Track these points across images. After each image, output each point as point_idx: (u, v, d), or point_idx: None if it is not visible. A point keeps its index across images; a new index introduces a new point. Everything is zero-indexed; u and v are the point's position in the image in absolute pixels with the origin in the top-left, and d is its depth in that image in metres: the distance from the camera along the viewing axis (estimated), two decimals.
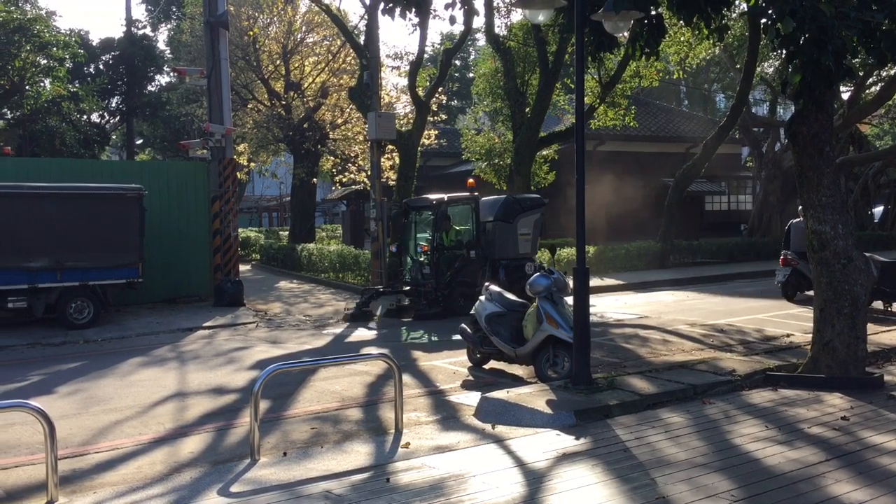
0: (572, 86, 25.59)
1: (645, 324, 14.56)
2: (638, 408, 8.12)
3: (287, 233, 34.73)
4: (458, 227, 16.61)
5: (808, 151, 9.06)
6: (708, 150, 24.45)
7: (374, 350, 12.52)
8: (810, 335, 9.59)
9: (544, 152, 24.03)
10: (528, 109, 22.02)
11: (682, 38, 22.27)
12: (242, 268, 21.38)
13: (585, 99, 24.08)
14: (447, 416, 8.42)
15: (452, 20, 11.10)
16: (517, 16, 23.54)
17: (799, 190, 9.45)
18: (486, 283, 11.45)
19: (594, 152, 28.30)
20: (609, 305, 17.24)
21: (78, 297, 14.54)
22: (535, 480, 6.06)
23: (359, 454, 7.00)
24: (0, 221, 13.69)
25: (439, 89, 24.02)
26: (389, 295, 16.40)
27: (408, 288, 16.44)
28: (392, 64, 26.92)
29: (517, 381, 10.11)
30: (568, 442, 7.05)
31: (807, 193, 9.17)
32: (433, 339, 13.55)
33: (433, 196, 17.05)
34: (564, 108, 25.33)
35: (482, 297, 10.86)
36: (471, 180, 18.30)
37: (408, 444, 7.22)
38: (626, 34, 11.07)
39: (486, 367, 10.85)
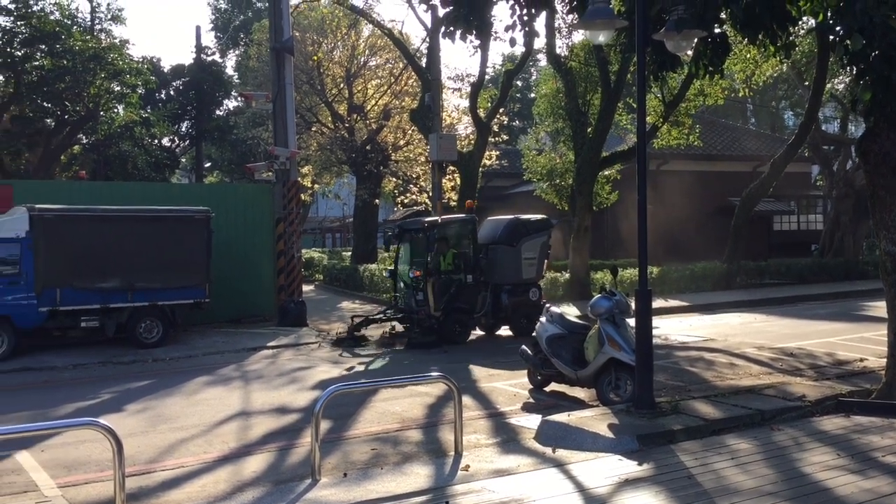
0: (635, 105, 25.45)
1: (710, 346, 14.25)
2: (703, 433, 7.92)
3: (349, 253, 35.10)
4: (454, 251, 15.59)
5: (881, 170, 8.79)
6: (776, 169, 23.94)
7: (434, 369, 12.52)
8: (885, 360, 9.25)
9: (606, 172, 23.82)
10: (589, 129, 21.90)
11: (747, 56, 21.89)
12: (306, 288, 21.65)
13: (648, 118, 23.91)
14: (507, 438, 8.36)
15: (513, 42, 11.04)
16: (578, 36, 23.50)
17: (871, 210, 9.16)
18: (547, 305, 11.38)
19: (657, 172, 27.95)
20: (673, 327, 16.92)
21: (147, 316, 14.90)
22: None
23: (418, 476, 6.99)
24: (75, 243, 14.14)
25: (500, 110, 24.08)
26: (384, 321, 15.93)
27: (401, 315, 15.71)
28: (453, 86, 27.07)
29: (578, 404, 9.99)
30: (630, 467, 6.92)
31: (879, 213, 8.89)
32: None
33: (427, 218, 16.44)
34: (627, 127, 25.09)
35: (542, 319, 10.78)
36: (469, 201, 18.00)
37: (467, 466, 7.18)
38: (688, 53, 10.93)
39: (547, 389, 10.74)
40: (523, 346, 11.09)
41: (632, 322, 9.25)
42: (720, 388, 10.02)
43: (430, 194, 26.59)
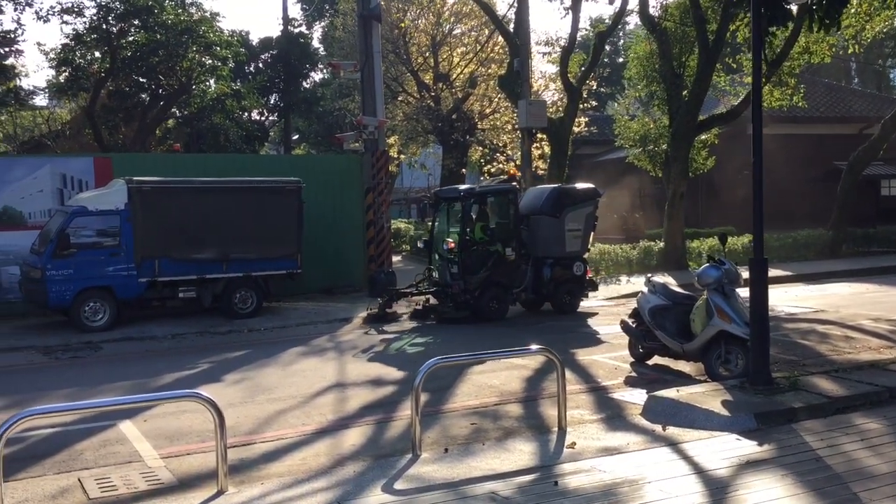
0: (733, 65, 24.30)
1: (821, 318, 13.49)
2: (826, 412, 7.38)
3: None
4: (492, 222, 14.86)
5: None
6: (886, 131, 22.55)
7: (531, 343, 12.21)
8: None
9: (703, 136, 22.84)
10: (685, 92, 21.00)
11: (859, 10, 20.53)
12: (394, 258, 21.59)
13: (748, 79, 22.76)
14: (612, 414, 8.00)
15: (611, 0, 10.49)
16: None
17: None
18: (649, 275, 10.88)
19: None
20: (778, 298, 16.10)
21: (242, 287, 15.03)
22: (718, 490, 5.57)
23: (522, 453, 6.71)
24: (171, 215, 14.32)
25: (591, 75, 23.34)
26: (417, 296, 15.17)
27: (435, 288, 14.93)
28: (542, 50, 26.42)
29: (684, 378, 9.52)
30: (750, 448, 6.48)
31: None
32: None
33: (463, 186, 15.49)
34: (725, 88, 23.97)
35: (645, 290, 10.31)
36: (511, 169, 17.14)
37: (573, 444, 6.86)
38: (794, 5, 10.19)
39: (650, 362, 10.30)
40: (623, 318, 10.67)
41: (741, 292, 8.74)
42: (839, 363, 9.41)
43: (518, 163, 26.15)
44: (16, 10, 21.96)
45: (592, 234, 15.50)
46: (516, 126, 25.51)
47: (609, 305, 16.07)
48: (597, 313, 14.96)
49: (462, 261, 14.21)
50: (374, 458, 6.74)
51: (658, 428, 7.26)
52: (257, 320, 14.67)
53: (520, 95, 20.03)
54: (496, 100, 29.32)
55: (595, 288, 15.96)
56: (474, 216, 14.63)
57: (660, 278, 10.56)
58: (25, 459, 6.90)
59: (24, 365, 11.59)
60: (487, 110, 30.01)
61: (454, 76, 30.45)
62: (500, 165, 29.26)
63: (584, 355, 11.05)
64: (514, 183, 15.39)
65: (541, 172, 23.83)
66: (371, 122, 18.47)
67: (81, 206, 13.93)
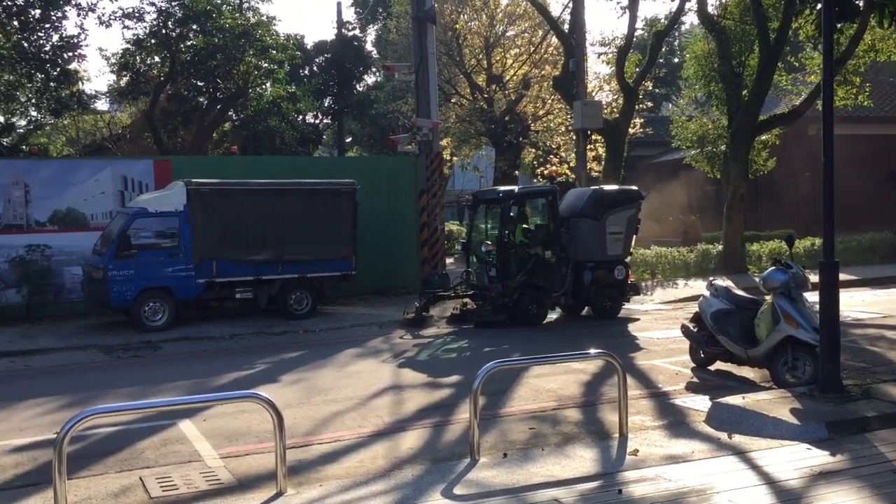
0: (795, 64, 23.69)
1: (890, 324, 13.02)
2: None
3: None
4: (531, 224, 14.62)
5: None
6: None
7: (587, 345, 12.02)
8: None
9: (763, 137, 22.32)
10: (745, 92, 20.53)
11: None
12: (447, 260, 21.53)
13: (811, 77, 22.17)
14: (674, 421, 7.79)
15: None
16: None
17: None
18: (711, 279, 10.62)
19: (819, 136, 26.04)
20: (844, 303, 15.36)
21: (297, 288, 15.11)
22: (790, 502, 5.36)
23: (583, 459, 6.57)
24: (229, 216, 14.47)
25: (647, 75, 23.00)
26: (455, 298, 14.92)
27: (473, 292, 14.72)
28: (597, 51, 26.14)
29: (748, 384, 9.26)
30: (822, 458, 6.24)
31: None
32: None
33: (502, 187, 15.10)
34: (787, 88, 23.38)
35: (706, 293, 10.06)
36: (553, 169, 16.69)
37: (636, 451, 6.69)
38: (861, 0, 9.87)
39: (712, 368, 10.04)
40: (684, 322, 10.43)
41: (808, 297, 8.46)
42: None
43: (571, 165, 25.88)
44: (79, 15, 22.49)
45: (635, 237, 15.15)
46: (570, 127, 25.30)
47: (666, 309, 15.78)
48: (638, 318, 14.61)
49: (500, 263, 14.00)
50: (432, 462, 6.66)
51: (724, 436, 7.04)
52: (312, 321, 14.73)
53: (575, 96, 19.83)
54: (550, 101, 29.09)
55: (637, 292, 15.64)
56: (515, 217, 14.37)
57: (721, 281, 10.29)
58: (88, 458, 6.99)
59: (86, 364, 11.81)
60: (541, 112, 29.79)
61: (507, 78, 30.30)
62: (554, 167, 29.02)
63: (643, 360, 10.83)
64: (554, 185, 15.08)
65: (595, 174, 23.55)
66: (425, 124, 18.45)
67: (142, 207, 14.16)
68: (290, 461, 6.37)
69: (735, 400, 7.78)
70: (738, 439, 6.89)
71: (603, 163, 22.00)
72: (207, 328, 14.12)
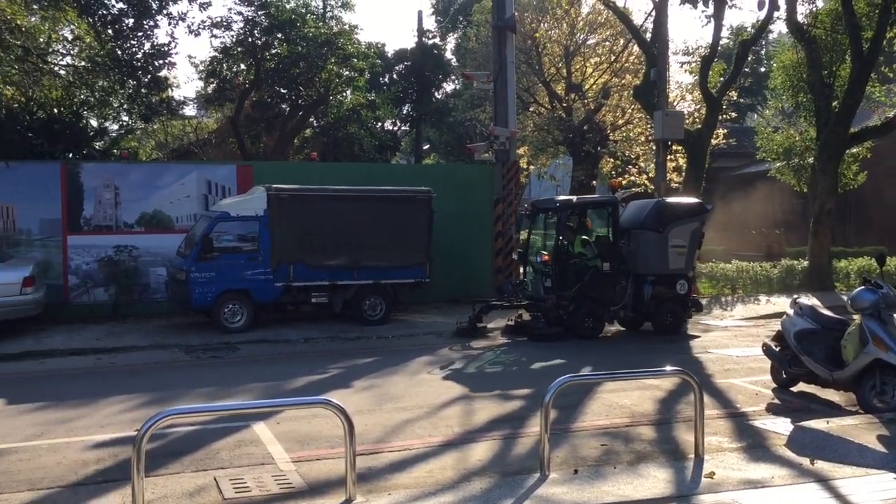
0: (890, 74, 22.80)
1: None
2: None
3: None
4: (589, 236, 14.44)
5: None
6: None
7: (663, 361, 11.77)
8: None
9: (854, 150, 21.53)
10: (835, 103, 19.86)
11: None
12: (521, 269, 21.38)
13: None
14: (753, 443, 7.54)
15: (761, 5, 10.02)
16: (822, 1, 21.41)
17: None
18: (795, 297, 10.26)
19: None
20: None
21: (371, 294, 15.24)
22: None
23: (656, 480, 6.40)
24: (307, 221, 14.70)
25: (731, 85, 22.46)
26: (508, 309, 14.76)
27: (527, 302, 14.48)
28: (679, 60, 25.67)
29: (833, 408, 8.92)
30: None
31: None
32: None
33: (560, 197, 14.74)
34: (880, 99, 22.52)
35: (790, 311, 9.72)
36: (615, 179, 16.17)
37: (712, 473, 6.49)
38: None
39: (794, 389, 9.70)
40: (766, 341, 10.11)
41: None
42: None
43: (650, 175, 25.44)
44: (170, 24, 23.26)
45: (698, 251, 14.74)
46: (650, 137, 24.88)
47: (746, 326, 15.35)
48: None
49: (556, 274, 13.78)
50: (501, 476, 6.60)
51: (805, 461, 6.77)
52: (386, 328, 14.83)
53: (656, 106, 19.50)
54: (630, 111, 28.68)
55: (700, 308, 15.15)
56: (573, 228, 14.16)
57: (806, 300, 9.93)
58: (166, 456, 7.17)
59: (168, 363, 12.16)
60: (620, 121, 29.39)
61: (587, 87, 30.01)
62: (632, 178, 28.61)
63: (721, 378, 10.54)
64: (615, 195, 14.71)
65: (675, 185, 23.11)
66: (502, 133, 18.42)
67: (224, 211, 14.51)
68: (359, 468, 6.40)
69: (819, 424, 7.49)
70: (821, 466, 6.62)
71: (683, 174, 21.57)
72: (284, 331, 14.36)
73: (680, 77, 29.50)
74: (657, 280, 14.06)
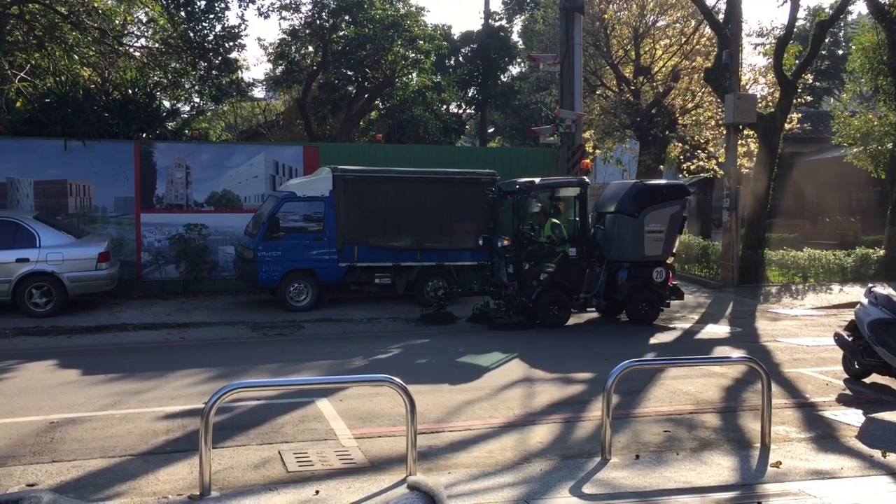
0: None
1: None
2: None
3: None
4: (553, 220, 13.78)
5: None
6: None
7: (729, 349, 11.57)
8: None
9: None
10: None
11: None
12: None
13: None
14: (822, 434, 7.35)
15: None
16: None
17: None
18: (870, 285, 9.93)
19: None
20: None
21: (434, 276, 15.28)
22: None
23: (720, 467, 6.31)
24: (371, 203, 14.82)
25: (807, 67, 21.76)
26: (474, 295, 14.32)
27: (493, 289, 13.95)
28: (753, 42, 24.97)
29: None
30: None
31: None
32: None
33: (522, 179, 14.02)
34: None
35: (864, 301, 9.42)
36: (586, 161, 15.29)
37: (778, 462, 6.37)
38: None
39: (867, 380, 9.41)
40: (838, 330, 9.82)
41: None
42: None
43: (719, 160, 24.87)
44: (240, 6, 23.65)
45: (679, 236, 14.12)
46: (721, 122, 24.32)
47: (817, 315, 14.94)
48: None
49: (518, 260, 13.26)
50: (561, 458, 6.58)
51: (877, 454, 6.59)
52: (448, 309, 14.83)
53: (727, 89, 19.03)
54: (700, 94, 28.04)
55: (681, 297, 14.41)
56: (537, 211, 13.57)
57: (882, 289, 9.60)
58: (232, 429, 7.35)
59: (235, 339, 12.44)
60: (690, 105, 28.73)
61: (656, 69, 29.43)
62: (701, 163, 28.04)
63: (790, 368, 10.29)
64: (583, 177, 14.12)
65: (745, 170, 22.56)
66: (568, 116, 18.21)
67: (291, 192, 14.72)
68: (420, 447, 6.46)
69: (892, 416, 7.30)
70: (893, 458, 6.43)
71: (754, 159, 21.04)
72: (347, 311, 14.54)
73: (753, 59, 28.86)
74: (632, 267, 13.53)
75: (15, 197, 15.64)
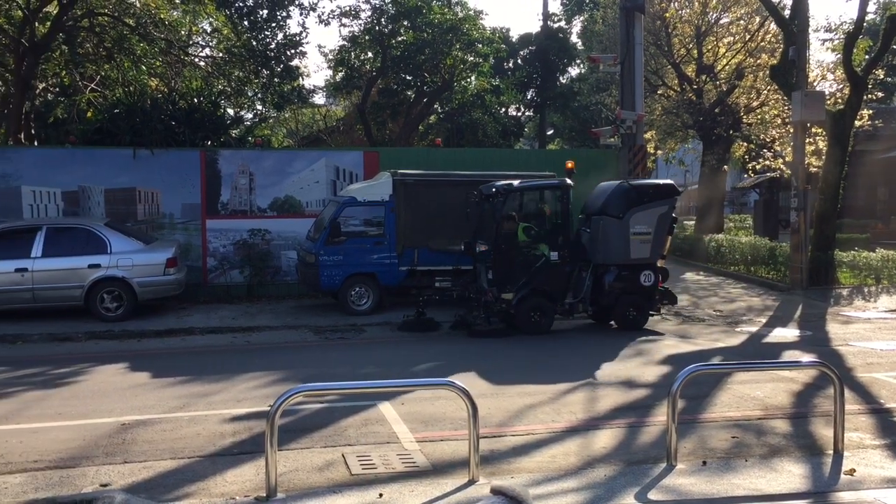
0: None
1: None
2: None
3: (692, 222, 33.55)
4: (542, 222, 13.40)
5: None
6: None
7: (799, 353, 11.26)
8: None
9: None
10: None
11: None
12: None
13: None
14: None
15: None
16: None
17: None
18: None
19: None
20: None
21: None
22: None
23: (791, 475, 6.14)
24: (431, 206, 14.86)
25: (878, 63, 21.09)
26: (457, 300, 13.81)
27: (473, 296, 13.47)
28: (820, 37, 24.33)
29: None
30: None
31: None
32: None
33: (501, 182, 13.38)
34: None
35: None
36: (570, 162, 14.56)
37: (852, 470, 6.17)
38: None
39: None
40: None
41: None
42: None
43: (786, 159, 24.28)
44: (301, 14, 24.04)
45: (669, 238, 13.56)
46: (787, 120, 23.76)
47: (891, 318, 14.45)
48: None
49: (497, 265, 12.83)
50: (625, 464, 6.49)
51: None
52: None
53: (794, 86, 18.56)
54: (765, 92, 27.44)
55: (673, 301, 13.86)
56: (513, 216, 13.16)
57: None
58: (297, 431, 7.44)
59: (298, 342, 12.60)
60: (754, 103, 28.17)
61: (719, 68, 28.93)
62: (767, 162, 27.43)
63: (863, 372, 9.96)
64: (564, 179, 13.56)
65: (814, 169, 21.99)
66: (629, 117, 18.00)
67: (351, 196, 14.86)
68: (483, 451, 6.45)
69: None
70: None
71: (823, 157, 20.48)
72: (408, 314, 14.56)
73: (821, 55, 28.07)
74: (618, 270, 13.10)
75: (87, 204, 16.13)
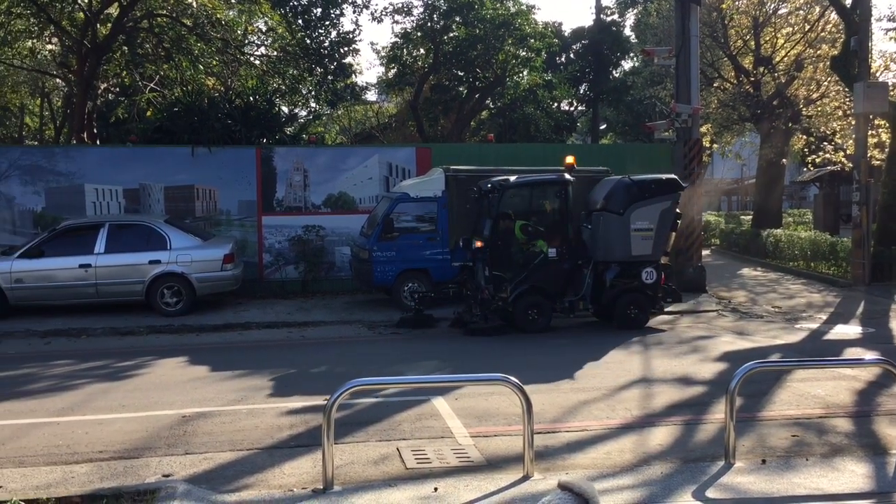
0: None
1: None
2: None
3: (750, 217, 32.95)
4: (542, 219, 13.14)
5: None
6: None
7: (861, 351, 11.00)
8: None
9: None
10: None
11: None
12: (703, 252, 20.62)
13: None
14: None
15: None
16: None
17: None
18: None
19: None
20: None
21: None
22: None
23: (853, 474, 6.01)
24: (483, 203, 14.82)
25: None
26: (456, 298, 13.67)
27: (470, 293, 13.22)
28: (883, 27, 23.64)
29: None
30: None
31: None
32: None
33: (499, 178, 13.10)
34: None
35: None
36: (570, 158, 14.00)
37: None
38: None
39: None
40: None
41: None
42: None
43: (848, 152, 23.69)
44: (354, 12, 24.25)
45: (673, 234, 13.15)
46: (849, 112, 23.16)
47: None
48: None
49: (494, 262, 12.58)
50: (682, 461, 6.42)
51: None
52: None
53: (856, 78, 18.10)
54: (825, 83, 26.78)
55: (679, 299, 13.48)
56: (511, 212, 12.90)
57: None
58: (352, 425, 7.53)
59: (352, 337, 12.74)
60: (815, 95, 27.51)
61: (777, 59, 28.31)
62: (828, 155, 26.79)
63: None
64: (562, 174, 13.13)
65: (876, 162, 21.40)
66: (685, 110, 17.74)
67: (404, 192, 14.94)
68: (537, 446, 6.44)
69: None
70: None
71: (886, 150, 19.93)
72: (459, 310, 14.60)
73: (883, 45, 27.28)
74: (619, 267, 12.79)
75: (147, 202, 16.52)
